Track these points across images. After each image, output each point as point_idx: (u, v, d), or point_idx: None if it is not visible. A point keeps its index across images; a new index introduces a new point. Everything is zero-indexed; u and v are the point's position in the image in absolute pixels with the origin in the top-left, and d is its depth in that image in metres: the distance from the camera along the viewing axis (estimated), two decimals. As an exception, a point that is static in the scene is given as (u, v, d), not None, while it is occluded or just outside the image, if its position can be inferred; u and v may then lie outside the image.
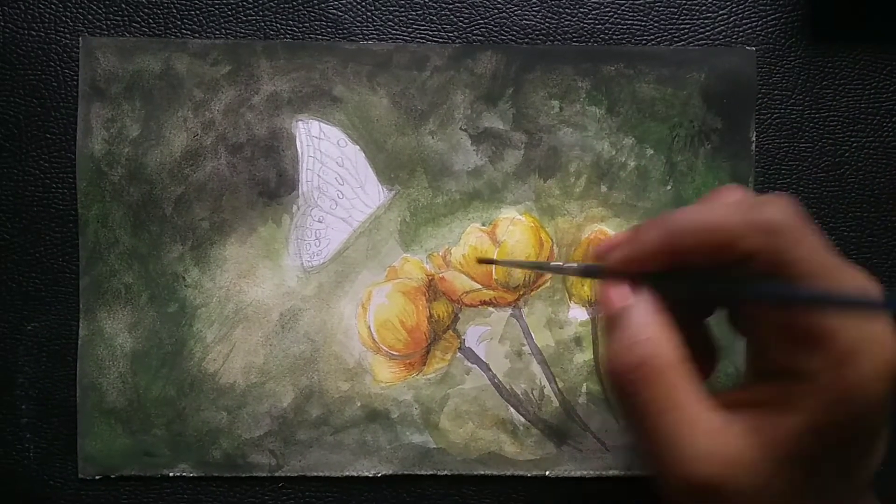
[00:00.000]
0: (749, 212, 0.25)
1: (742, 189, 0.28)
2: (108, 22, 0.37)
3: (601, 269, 0.28)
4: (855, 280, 0.25)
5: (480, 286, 0.37)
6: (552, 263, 0.33)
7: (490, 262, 0.37)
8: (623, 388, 0.26)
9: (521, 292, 0.37)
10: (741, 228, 0.25)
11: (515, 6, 0.37)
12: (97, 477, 0.37)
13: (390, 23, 0.37)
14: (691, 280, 0.27)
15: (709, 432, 0.25)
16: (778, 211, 0.25)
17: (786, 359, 0.25)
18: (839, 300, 0.24)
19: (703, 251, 0.26)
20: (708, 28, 0.38)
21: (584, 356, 0.37)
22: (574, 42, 0.37)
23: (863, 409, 0.24)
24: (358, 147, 0.37)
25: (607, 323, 0.27)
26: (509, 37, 0.37)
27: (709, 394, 0.26)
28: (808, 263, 0.25)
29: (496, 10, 0.37)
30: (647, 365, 0.25)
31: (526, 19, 0.38)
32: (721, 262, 0.26)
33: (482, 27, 0.37)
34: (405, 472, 0.37)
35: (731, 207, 0.26)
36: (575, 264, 0.30)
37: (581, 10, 0.38)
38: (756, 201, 0.26)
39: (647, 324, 0.26)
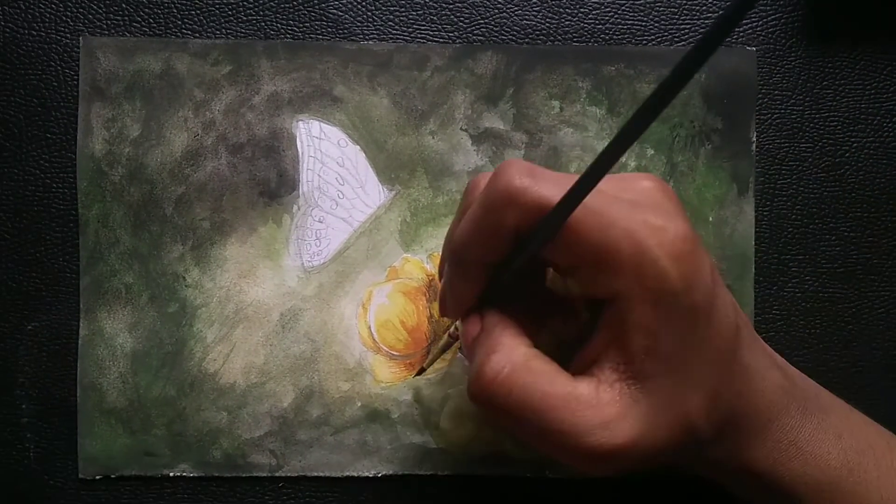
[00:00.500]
0: (486, 195, 0.26)
1: (481, 176, 0.28)
2: (109, 22, 0.37)
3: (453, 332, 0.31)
4: (621, 208, 0.25)
5: (481, 286, 0.37)
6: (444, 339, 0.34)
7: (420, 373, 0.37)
8: (491, 404, 0.26)
9: (522, 292, 0.37)
10: (490, 212, 0.26)
11: (516, 6, 0.37)
12: (97, 477, 0.37)
13: (391, 23, 0.37)
14: (498, 271, 0.28)
15: (583, 405, 0.26)
16: (508, 176, 0.25)
17: (596, 289, 0.26)
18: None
19: (493, 252, 0.27)
20: (708, 28, 0.38)
21: (585, 356, 0.37)
22: (574, 42, 0.37)
23: (674, 295, 0.25)
24: (358, 147, 0.37)
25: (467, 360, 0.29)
26: (510, 37, 0.37)
27: (565, 371, 0.27)
28: (546, 200, 0.25)
29: (497, 11, 0.37)
30: (503, 373, 0.26)
31: (526, 19, 0.38)
32: (505, 249, 0.26)
33: (483, 27, 0.37)
34: (406, 473, 0.37)
35: (476, 201, 0.26)
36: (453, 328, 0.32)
37: (581, 10, 0.38)
38: (471, 184, 0.27)
39: (495, 338, 0.27)
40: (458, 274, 0.28)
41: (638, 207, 0.25)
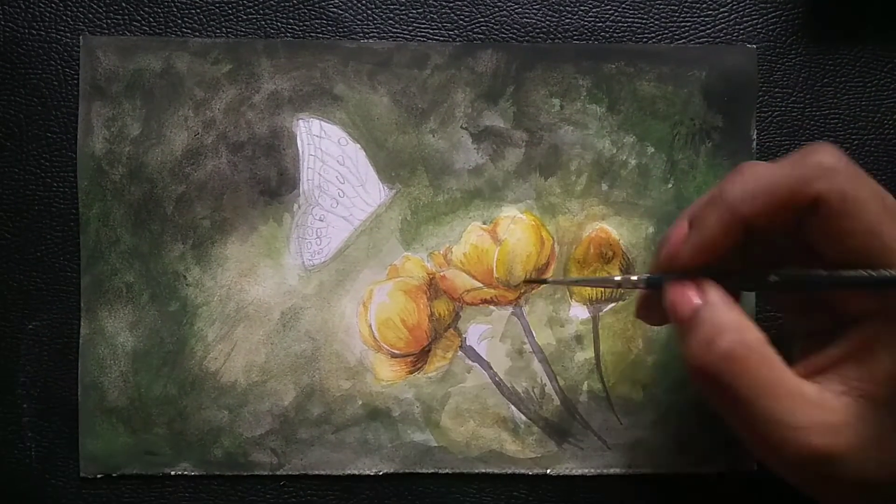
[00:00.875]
0: (800, 162, 0.26)
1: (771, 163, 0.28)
2: (109, 21, 0.37)
3: (662, 278, 0.29)
4: None
5: (481, 284, 0.37)
6: (614, 277, 0.32)
7: (541, 281, 0.36)
8: (715, 381, 0.26)
9: (522, 290, 0.37)
10: (799, 178, 0.25)
11: (516, 4, 0.37)
12: (99, 476, 0.37)
13: (391, 21, 0.37)
14: (755, 276, 0.28)
15: (809, 403, 0.25)
16: (827, 154, 0.26)
17: (855, 306, 0.26)
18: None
19: (767, 216, 0.26)
20: (709, 26, 0.38)
21: (585, 354, 0.37)
22: (575, 40, 0.37)
23: None
24: (359, 145, 0.37)
25: (680, 327, 0.28)
26: (510, 35, 0.37)
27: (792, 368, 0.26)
28: (872, 203, 0.25)
29: (497, 9, 0.37)
30: (735, 353, 0.26)
31: (526, 17, 0.37)
32: (787, 222, 0.26)
33: (483, 25, 0.37)
34: (406, 471, 0.37)
35: (778, 166, 0.26)
36: (636, 277, 0.30)
37: (582, 8, 0.38)
38: (801, 153, 0.26)
39: (724, 315, 0.27)
40: (719, 220, 0.27)
41: None
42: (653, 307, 0.31)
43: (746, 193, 0.26)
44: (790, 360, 0.27)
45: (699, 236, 0.27)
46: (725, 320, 0.26)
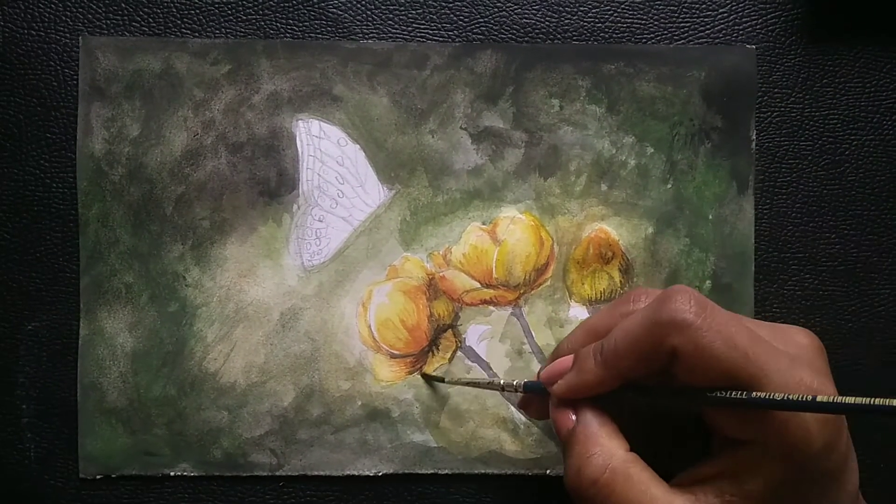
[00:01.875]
0: (655, 315, 0.27)
1: (643, 291, 0.30)
2: (108, 21, 0.37)
3: (543, 388, 0.31)
4: (779, 362, 0.27)
5: (481, 285, 0.37)
6: (499, 381, 0.34)
7: (435, 378, 0.37)
8: (588, 503, 0.28)
9: (522, 291, 0.37)
10: (655, 334, 0.27)
11: (515, 5, 0.37)
12: (98, 476, 0.37)
13: (390, 22, 0.37)
14: (646, 395, 0.29)
15: None
16: (679, 304, 0.27)
17: (734, 431, 0.27)
18: (792, 404, 0.26)
19: (635, 369, 0.28)
20: (708, 26, 0.38)
21: (585, 355, 0.37)
22: (574, 41, 0.37)
23: (810, 457, 0.26)
24: (358, 146, 0.37)
25: (563, 446, 0.30)
26: (509, 35, 0.37)
27: (667, 483, 0.28)
28: (726, 347, 0.26)
29: (496, 9, 0.37)
30: (603, 478, 0.28)
31: (526, 18, 0.38)
32: (654, 369, 0.28)
33: (482, 26, 0.37)
34: (406, 471, 0.37)
35: (638, 320, 0.28)
36: (516, 382, 0.33)
37: (581, 8, 0.38)
38: (657, 302, 0.28)
39: (594, 437, 0.29)
40: (590, 372, 0.29)
41: (796, 363, 0.27)
42: (532, 405, 0.33)
43: (619, 352, 0.28)
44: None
45: (577, 378, 0.29)
46: (592, 444, 0.28)
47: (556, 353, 0.32)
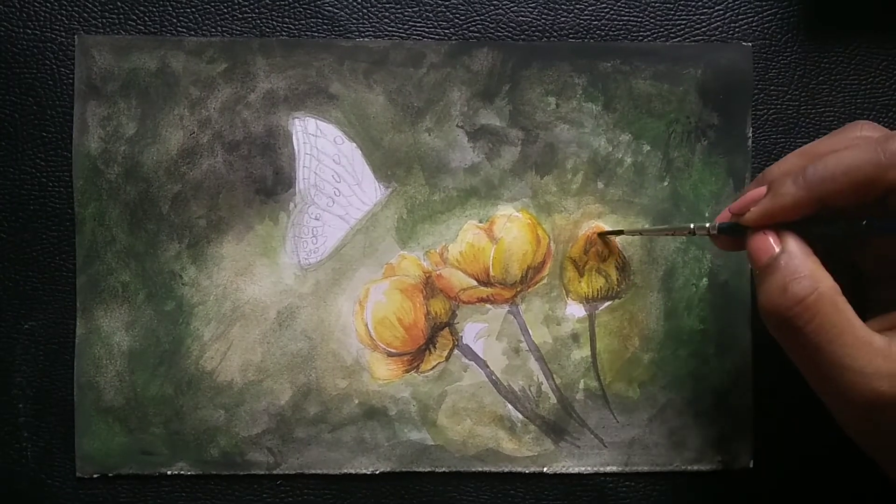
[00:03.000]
0: (879, 149, 0.27)
1: (867, 124, 0.30)
2: (104, 20, 0.37)
3: (739, 226, 0.30)
4: None
5: (477, 283, 0.37)
6: (685, 225, 0.34)
7: (613, 233, 0.37)
8: (787, 324, 0.28)
9: (519, 289, 0.37)
10: (879, 166, 0.27)
11: (511, 3, 0.37)
12: (95, 476, 0.37)
13: (386, 20, 0.37)
14: (833, 224, 0.29)
15: (877, 352, 0.27)
16: (888, 136, 0.27)
17: None
18: None
19: (843, 194, 0.28)
20: (704, 24, 0.38)
21: (582, 352, 0.37)
22: (570, 39, 0.37)
23: None
24: (354, 144, 0.37)
25: (759, 273, 0.29)
26: (505, 33, 0.37)
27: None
28: None
29: (492, 7, 0.37)
30: (810, 298, 0.27)
31: (522, 16, 0.38)
32: (862, 200, 0.28)
33: (478, 24, 0.37)
34: (403, 470, 0.37)
35: (862, 147, 0.28)
36: (709, 224, 0.32)
37: (577, 6, 0.38)
38: (885, 136, 0.27)
39: (801, 262, 0.28)
40: (789, 194, 0.28)
41: None
42: (728, 243, 0.32)
43: (827, 176, 0.28)
44: (863, 314, 0.28)
45: (773, 203, 0.29)
46: (801, 268, 0.28)
47: (760, 178, 0.32)
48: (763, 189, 0.30)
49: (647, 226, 0.37)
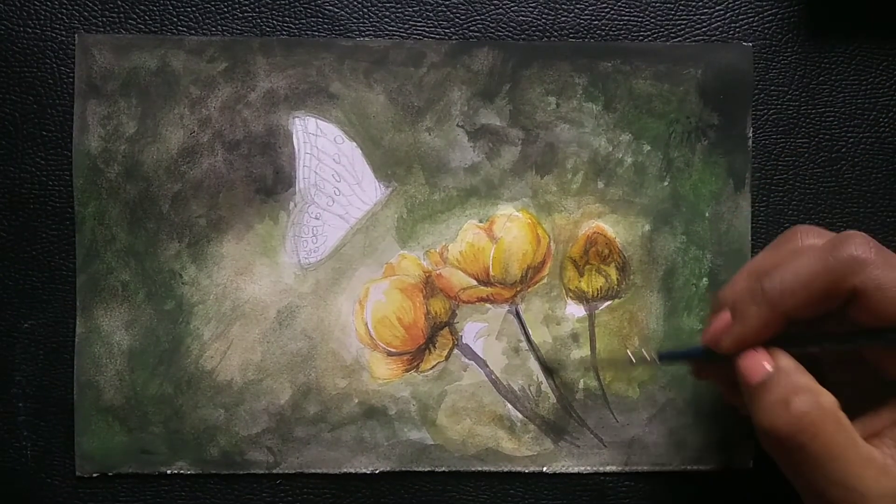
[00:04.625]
0: (834, 255, 0.27)
1: (807, 229, 0.30)
2: (105, 19, 0.37)
3: (721, 356, 0.30)
4: None
5: (477, 283, 0.37)
6: (651, 355, 0.34)
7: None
8: (789, 441, 0.27)
9: (519, 289, 0.37)
10: (834, 273, 0.27)
11: (512, 2, 0.37)
12: (95, 475, 0.37)
13: (387, 19, 0.37)
14: (821, 339, 0.29)
15: (879, 470, 0.26)
16: (860, 245, 0.27)
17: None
18: None
19: (806, 307, 0.28)
20: (704, 24, 0.38)
21: (581, 352, 0.37)
22: (571, 38, 0.37)
23: None
24: (355, 144, 0.37)
25: (753, 392, 0.29)
26: (506, 33, 0.37)
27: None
28: None
29: (493, 7, 0.37)
30: (813, 414, 0.27)
31: (522, 15, 0.38)
32: (826, 310, 0.28)
33: (479, 23, 0.37)
34: (403, 469, 0.37)
35: (813, 257, 0.28)
36: (698, 348, 0.32)
37: (577, 6, 0.38)
38: (833, 243, 0.28)
39: (798, 378, 0.28)
40: (753, 316, 0.29)
41: None
42: (707, 371, 0.33)
43: (786, 290, 0.28)
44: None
45: (741, 328, 0.29)
46: (800, 383, 0.28)
47: (715, 303, 0.32)
48: (727, 315, 0.30)
49: (647, 226, 0.37)
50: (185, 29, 0.37)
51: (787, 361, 0.28)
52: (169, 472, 0.37)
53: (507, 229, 0.37)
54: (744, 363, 0.29)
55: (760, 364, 0.29)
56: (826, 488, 0.27)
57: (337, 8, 0.37)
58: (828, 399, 0.27)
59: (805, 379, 0.28)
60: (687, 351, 0.35)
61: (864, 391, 0.29)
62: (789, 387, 0.28)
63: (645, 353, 0.33)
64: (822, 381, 0.28)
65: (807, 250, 0.29)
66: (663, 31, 0.38)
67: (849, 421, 0.27)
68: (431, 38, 0.37)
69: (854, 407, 0.28)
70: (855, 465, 0.26)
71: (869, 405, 0.28)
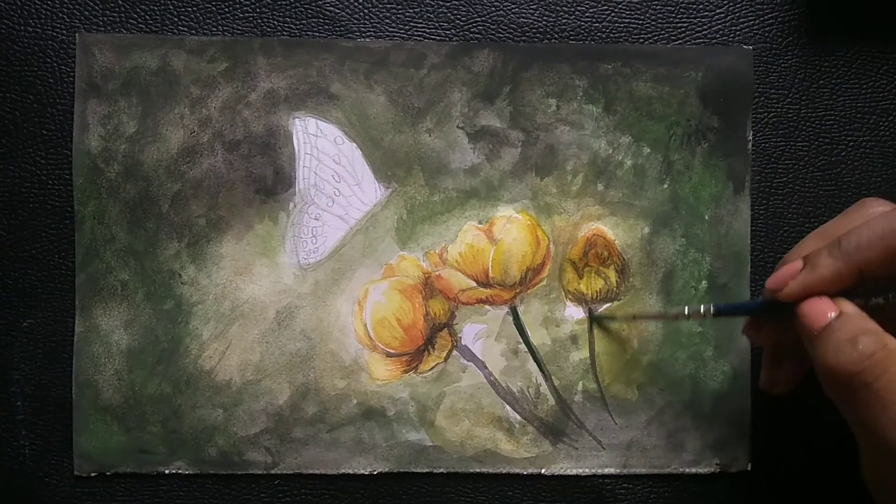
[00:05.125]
0: None
1: (877, 200, 0.30)
2: (105, 18, 0.37)
3: (781, 303, 0.30)
4: None
5: (477, 284, 0.37)
6: (681, 309, 0.34)
7: (601, 318, 0.37)
8: (855, 379, 0.27)
9: (518, 290, 0.37)
10: None
11: (513, 4, 0.37)
12: (93, 474, 0.37)
13: (387, 20, 0.37)
14: (885, 290, 0.29)
15: None
16: None
17: None
18: None
19: (881, 262, 0.28)
20: (705, 27, 0.38)
21: (580, 354, 0.37)
22: (571, 40, 0.38)
23: None
24: (355, 144, 0.37)
25: (816, 337, 0.29)
26: (506, 35, 0.37)
27: None
28: None
29: (493, 8, 0.37)
30: (879, 354, 0.27)
31: (523, 17, 0.38)
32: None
33: (479, 25, 0.37)
34: (401, 470, 0.37)
35: (891, 217, 0.28)
36: (703, 307, 0.33)
37: (578, 8, 0.38)
38: (867, 202, 0.28)
39: (864, 321, 0.28)
40: (826, 266, 0.29)
41: None
42: (759, 327, 0.33)
43: (863, 244, 0.28)
44: None
45: (811, 276, 0.29)
46: (867, 326, 0.28)
47: (785, 262, 0.32)
48: (798, 263, 0.30)
49: (646, 228, 0.37)
50: (185, 29, 0.37)
51: (851, 307, 0.29)
52: (167, 471, 0.37)
53: (507, 231, 0.37)
54: (808, 308, 0.29)
55: (824, 310, 0.29)
56: (887, 427, 0.27)
57: (338, 9, 0.37)
58: (893, 342, 0.27)
59: (871, 323, 0.28)
60: (745, 304, 0.34)
61: None
62: (856, 328, 0.28)
63: (702, 308, 0.33)
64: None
65: (881, 213, 0.29)
66: (664, 34, 0.38)
67: None
68: (432, 39, 0.37)
69: None
70: None
71: None
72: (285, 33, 0.37)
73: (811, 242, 0.31)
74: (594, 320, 0.37)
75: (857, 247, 0.28)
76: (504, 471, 0.37)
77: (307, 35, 0.37)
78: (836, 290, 0.29)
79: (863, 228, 0.29)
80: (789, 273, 0.30)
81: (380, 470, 0.37)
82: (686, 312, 0.34)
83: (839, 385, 0.28)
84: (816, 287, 0.29)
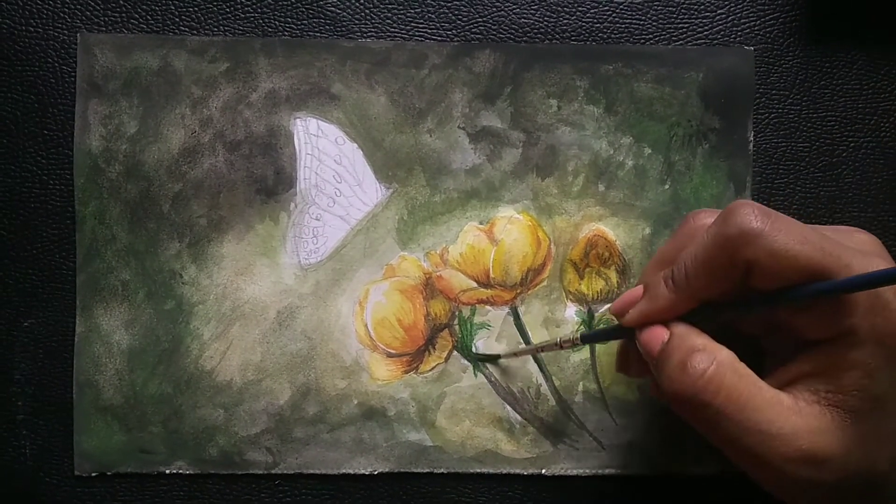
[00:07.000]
0: (724, 232, 0.27)
1: (702, 212, 0.30)
2: (106, 18, 0.37)
3: (626, 329, 0.30)
4: (852, 253, 0.27)
5: (477, 285, 0.37)
6: (554, 340, 0.34)
7: (489, 358, 0.37)
8: (694, 401, 0.27)
9: (519, 291, 0.37)
10: (727, 250, 0.27)
11: (514, 4, 0.37)
12: (93, 474, 0.37)
13: (389, 20, 0.37)
14: (715, 311, 0.29)
15: (789, 410, 0.27)
16: (747, 215, 0.27)
17: (819, 331, 0.27)
18: (862, 282, 0.25)
19: (711, 287, 0.28)
20: (706, 27, 0.38)
21: (581, 355, 0.37)
22: (572, 41, 0.38)
23: (892, 328, 0.26)
24: (356, 145, 0.37)
25: (656, 364, 0.29)
26: (508, 35, 0.37)
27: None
28: (801, 245, 0.26)
29: (494, 9, 0.37)
30: (710, 370, 0.27)
31: (524, 18, 0.38)
32: (734, 283, 0.28)
33: (480, 25, 0.37)
34: (401, 470, 0.37)
35: (703, 238, 0.28)
36: (572, 336, 0.33)
37: (579, 8, 0.38)
38: (723, 217, 0.28)
39: (693, 339, 0.28)
40: (662, 297, 0.29)
41: (867, 255, 0.27)
42: (629, 359, 0.33)
43: (689, 275, 0.28)
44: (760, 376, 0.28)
45: (649, 306, 0.29)
46: (695, 344, 0.28)
47: (643, 275, 0.32)
48: (640, 290, 0.30)
49: (647, 229, 0.37)
50: (186, 29, 0.37)
51: (680, 327, 0.29)
52: (168, 471, 0.37)
53: (508, 231, 0.37)
54: (644, 337, 0.29)
55: (657, 335, 0.29)
56: (741, 438, 0.27)
57: (339, 9, 0.37)
58: (724, 353, 0.27)
59: (700, 339, 0.28)
60: (604, 330, 0.35)
61: (784, 355, 0.29)
62: (684, 349, 0.28)
63: (571, 336, 0.33)
64: (763, 352, 0.29)
65: (700, 231, 0.29)
66: (665, 35, 0.38)
67: (749, 370, 0.27)
68: (433, 39, 0.37)
69: (773, 363, 0.29)
70: (763, 410, 0.26)
71: (784, 361, 0.29)
72: (286, 33, 0.37)
73: (651, 268, 0.31)
74: (482, 360, 0.37)
75: (685, 278, 0.28)
76: (504, 471, 0.37)
77: (308, 35, 0.37)
78: (674, 317, 0.29)
79: (686, 257, 0.28)
80: (629, 300, 0.30)
81: (380, 470, 0.37)
82: (558, 342, 0.34)
83: (685, 410, 0.28)
84: (654, 317, 0.29)
